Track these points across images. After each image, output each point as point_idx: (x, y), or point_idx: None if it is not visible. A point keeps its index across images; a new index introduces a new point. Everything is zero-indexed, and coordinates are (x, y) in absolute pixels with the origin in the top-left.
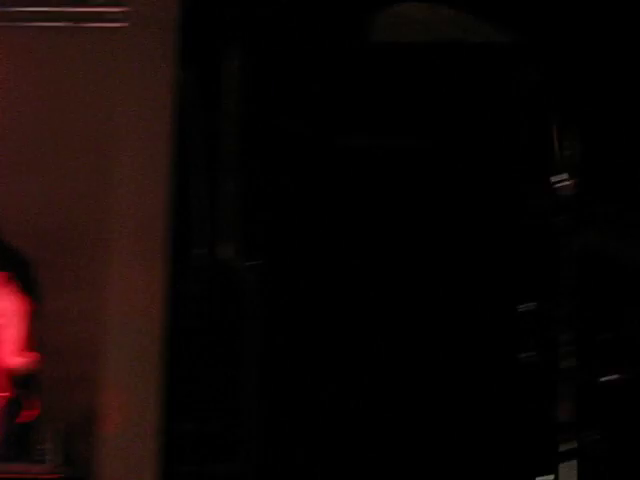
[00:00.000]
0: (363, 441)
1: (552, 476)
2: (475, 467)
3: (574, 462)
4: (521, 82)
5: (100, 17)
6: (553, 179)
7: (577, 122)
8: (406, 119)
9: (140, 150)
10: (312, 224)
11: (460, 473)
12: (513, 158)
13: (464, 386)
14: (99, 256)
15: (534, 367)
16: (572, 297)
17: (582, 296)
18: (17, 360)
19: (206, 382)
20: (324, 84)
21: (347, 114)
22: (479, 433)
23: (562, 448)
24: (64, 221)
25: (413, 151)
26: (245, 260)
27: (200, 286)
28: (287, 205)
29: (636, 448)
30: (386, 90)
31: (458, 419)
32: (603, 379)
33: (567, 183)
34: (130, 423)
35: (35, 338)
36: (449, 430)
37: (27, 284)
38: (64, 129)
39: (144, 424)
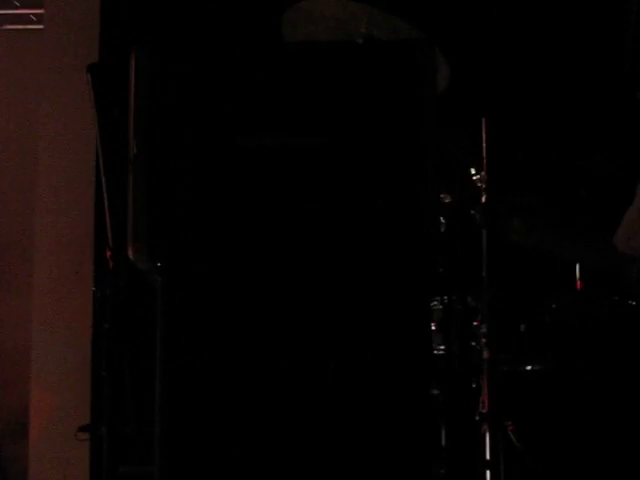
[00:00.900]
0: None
1: None
2: (387, 456)
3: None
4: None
5: (18, 19)
6: (469, 172)
7: (485, 116)
8: (310, 117)
9: (63, 154)
10: (216, 225)
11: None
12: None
13: (376, 380)
14: (24, 262)
15: (451, 359)
16: (488, 289)
17: (497, 288)
18: None
19: (124, 383)
20: (228, 83)
21: (250, 114)
22: (394, 420)
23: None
24: None
25: (313, 149)
26: (152, 261)
27: (113, 289)
28: (192, 206)
29: (548, 438)
30: (290, 89)
31: (371, 407)
32: (518, 370)
33: (479, 176)
34: (58, 427)
35: None
36: (360, 411)
37: None
38: None
39: (73, 428)
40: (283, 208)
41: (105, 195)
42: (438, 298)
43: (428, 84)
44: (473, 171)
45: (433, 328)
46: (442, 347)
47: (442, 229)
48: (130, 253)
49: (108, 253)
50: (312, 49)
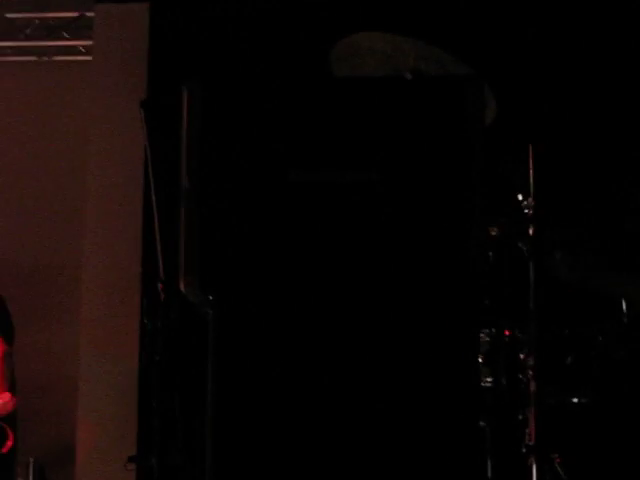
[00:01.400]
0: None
1: None
2: None
3: None
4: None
5: (67, 50)
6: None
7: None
8: (360, 153)
9: (112, 185)
10: (267, 258)
11: None
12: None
13: (425, 412)
14: (73, 291)
15: (498, 392)
16: (535, 322)
17: (544, 321)
18: None
19: (174, 415)
20: (278, 118)
21: (300, 148)
22: (442, 453)
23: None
24: (37, 257)
25: (363, 185)
26: (204, 294)
27: (165, 321)
28: (245, 240)
29: (594, 471)
30: (340, 124)
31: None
32: (565, 402)
33: (526, 203)
34: (105, 456)
35: (8, 375)
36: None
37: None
38: (32, 164)
39: (119, 458)
40: (333, 244)
41: (156, 228)
42: (486, 330)
43: (477, 120)
44: (520, 197)
45: (480, 360)
46: (489, 379)
47: (489, 261)
48: (182, 286)
49: (160, 285)
50: (362, 84)
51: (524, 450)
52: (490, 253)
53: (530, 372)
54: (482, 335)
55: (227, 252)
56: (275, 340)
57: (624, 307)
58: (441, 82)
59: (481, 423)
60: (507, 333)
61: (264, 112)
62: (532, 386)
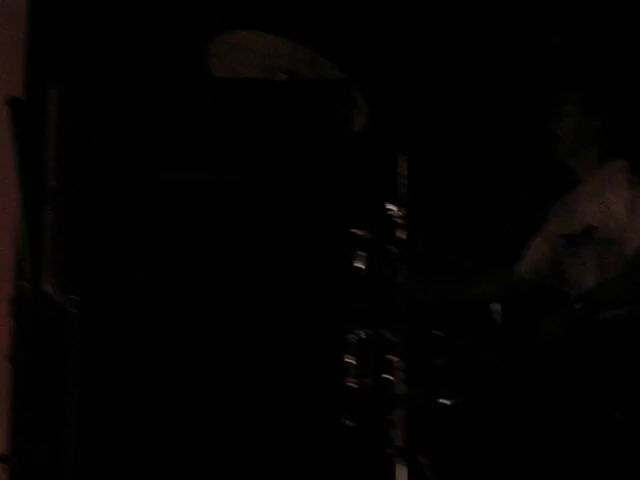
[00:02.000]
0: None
1: None
2: None
3: None
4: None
5: None
6: (386, 208)
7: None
8: (228, 154)
9: None
10: (132, 259)
11: None
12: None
13: (288, 407)
14: None
15: (367, 393)
16: (405, 324)
17: (415, 323)
18: None
19: (37, 414)
20: (147, 116)
21: (168, 148)
22: (307, 454)
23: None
24: None
25: (230, 186)
26: (68, 294)
27: (26, 320)
28: (110, 241)
29: (462, 473)
30: (209, 124)
31: (283, 443)
32: (435, 404)
33: (397, 212)
34: None
35: None
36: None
37: None
38: None
39: None
40: (198, 244)
41: (24, 228)
42: (358, 331)
43: (345, 124)
44: (391, 206)
45: (352, 361)
46: (358, 380)
47: (363, 263)
48: (46, 286)
49: (26, 285)
50: (230, 84)
51: (392, 451)
52: (364, 254)
53: (400, 374)
54: (354, 336)
55: (92, 252)
56: (139, 340)
57: (493, 309)
58: (310, 85)
59: (348, 423)
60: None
61: (130, 111)
62: (401, 387)
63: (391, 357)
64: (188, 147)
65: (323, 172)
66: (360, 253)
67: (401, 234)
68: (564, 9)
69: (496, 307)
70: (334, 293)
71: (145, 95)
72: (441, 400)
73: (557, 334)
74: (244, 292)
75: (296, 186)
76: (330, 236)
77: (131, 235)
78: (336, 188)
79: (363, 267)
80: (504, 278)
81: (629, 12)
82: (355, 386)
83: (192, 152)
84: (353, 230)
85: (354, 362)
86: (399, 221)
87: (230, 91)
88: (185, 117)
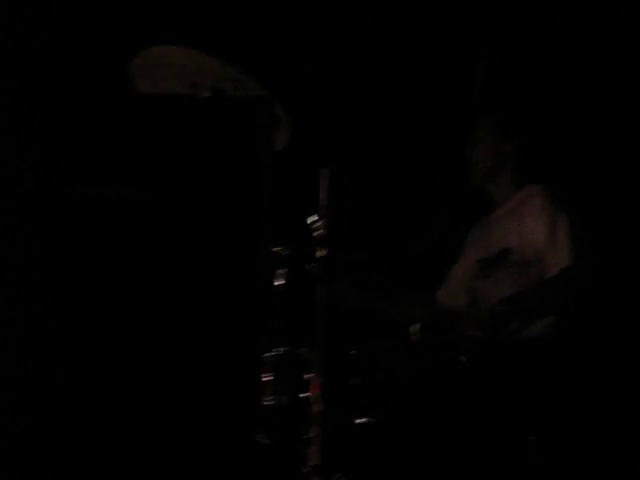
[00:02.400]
0: None
1: None
2: None
3: None
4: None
5: None
6: (307, 225)
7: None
8: (149, 170)
9: None
10: (52, 273)
11: None
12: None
13: (204, 424)
14: None
15: (282, 410)
16: (322, 342)
17: (332, 342)
18: None
19: None
20: (64, 130)
21: (86, 163)
22: (223, 472)
23: None
24: None
25: (148, 202)
26: None
27: None
28: (28, 254)
29: None
30: (130, 140)
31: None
32: (351, 422)
33: (317, 228)
34: None
35: None
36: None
37: None
38: None
39: None
40: (115, 259)
41: None
42: (276, 349)
43: (265, 141)
44: (312, 223)
45: (269, 379)
46: (274, 398)
47: (282, 281)
48: None
49: None
50: (152, 100)
51: (307, 470)
52: (284, 271)
53: (314, 392)
54: (271, 354)
55: (10, 267)
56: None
57: (411, 329)
58: (232, 102)
59: (265, 440)
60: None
61: (49, 124)
62: (317, 406)
63: (308, 375)
64: (108, 162)
65: (244, 189)
66: (280, 271)
67: (321, 252)
68: (485, 32)
69: (415, 327)
70: (252, 310)
71: (65, 108)
72: (357, 419)
73: (477, 337)
74: (162, 308)
75: (216, 203)
76: (249, 254)
77: (49, 249)
78: (256, 205)
79: (282, 284)
80: (427, 303)
81: (542, 37)
82: (272, 404)
83: (112, 167)
84: (273, 248)
85: (271, 380)
86: (320, 238)
87: (151, 107)
88: (106, 132)
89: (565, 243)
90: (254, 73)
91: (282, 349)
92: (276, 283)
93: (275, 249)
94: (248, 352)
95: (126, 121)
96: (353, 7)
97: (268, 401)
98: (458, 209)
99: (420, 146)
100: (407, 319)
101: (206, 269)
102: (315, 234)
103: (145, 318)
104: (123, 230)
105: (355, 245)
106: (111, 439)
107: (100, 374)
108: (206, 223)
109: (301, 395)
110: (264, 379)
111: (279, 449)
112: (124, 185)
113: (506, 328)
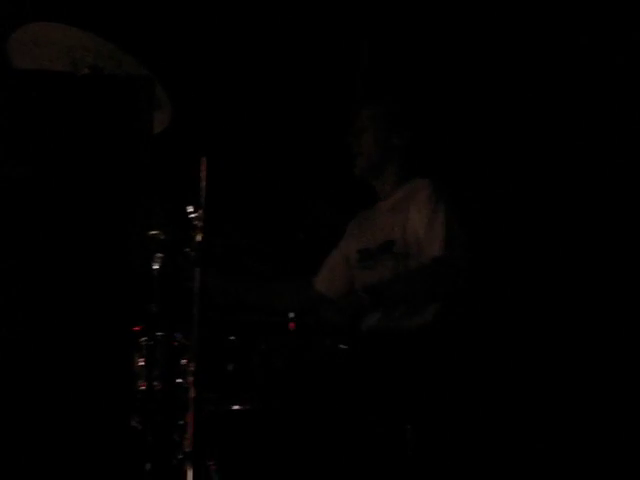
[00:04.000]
0: None
1: None
2: None
3: None
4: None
5: None
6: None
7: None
8: (24, 148)
9: None
10: None
11: None
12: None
13: (79, 410)
14: None
15: (156, 395)
16: (198, 328)
17: (207, 328)
18: None
19: None
20: None
21: None
22: (96, 456)
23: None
24: None
25: (21, 180)
26: None
27: None
28: None
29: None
30: (7, 117)
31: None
32: (225, 410)
33: (196, 215)
34: None
35: None
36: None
37: None
38: None
39: None
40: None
41: None
42: (153, 334)
43: (145, 120)
44: (190, 209)
45: (143, 364)
46: (151, 384)
47: (158, 265)
48: None
49: None
50: (29, 76)
51: (181, 456)
52: (160, 256)
53: (190, 378)
54: (147, 339)
55: None
56: None
57: (289, 316)
58: (110, 80)
59: (137, 426)
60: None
61: None
62: (191, 392)
63: (183, 361)
64: None
65: (120, 169)
66: (157, 255)
67: (199, 237)
68: (372, 18)
69: (290, 314)
70: (126, 294)
71: None
72: (231, 405)
73: (345, 320)
74: (35, 293)
75: (93, 183)
76: (125, 237)
77: None
78: (132, 187)
79: (158, 268)
80: (303, 289)
81: (438, 31)
82: (146, 389)
83: None
84: (150, 232)
85: (145, 365)
86: (197, 223)
87: (27, 83)
88: None
89: (440, 235)
90: (135, 52)
91: (158, 334)
92: (153, 267)
93: (153, 233)
94: (122, 336)
95: (5, 98)
96: None
97: (142, 386)
98: (337, 196)
99: (301, 133)
100: (282, 305)
101: (80, 252)
102: (193, 220)
103: (17, 302)
104: None
105: (233, 231)
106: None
107: None
108: (82, 204)
109: (176, 381)
110: (139, 364)
111: (153, 435)
112: None
113: (368, 316)
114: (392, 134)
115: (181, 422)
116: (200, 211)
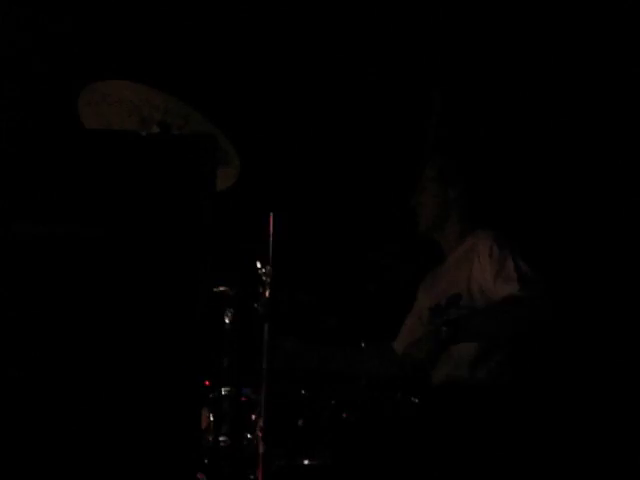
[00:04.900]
0: None
1: None
2: None
3: None
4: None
5: None
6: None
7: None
8: (91, 207)
9: None
10: None
11: None
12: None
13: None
14: None
15: (229, 450)
16: (266, 382)
17: (276, 383)
18: None
19: None
20: (8, 167)
21: (24, 201)
22: None
23: None
24: None
25: (90, 240)
26: None
27: None
28: None
29: None
30: (73, 176)
31: None
32: (295, 464)
33: (264, 270)
34: None
35: None
36: None
37: None
38: None
39: None
40: (58, 297)
41: None
42: (222, 389)
43: (207, 178)
44: (259, 265)
45: (214, 419)
46: (222, 439)
47: (229, 320)
48: None
49: None
50: (95, 137)
51: None
52: (230, 311)
53: (259, 433)
54: (216, 393)
55: None
56: None
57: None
58: (174, 140)
59: None
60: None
61: None
62: (260, 447)
63: (252, 416)
64: (51, 199)
65: (184, 227)
66: (228, 310)
67: (267, 292)
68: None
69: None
70: (194, 348)
71: (8, 144)
72: (301, 460)
73: (425, 355)
74: (104, 347)
75: (157, 240)
76: (189, 292)
77: None
78: (196, 244)
79: (229, 324)
80: (384, 354)
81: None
82: (216, 444)
83: (55, 204)
84: (220, 288)
85: (214, 420)
86: (265, 279)
87: (94, 143)
88: (51, 169)
89: (513, 276)
90: (202, 108)
91: (227, 388)
92: (224, 322)
93: (222, 289)
94: (190, 392)
95: (70, 158)
96: (305, 47)
97: (212, 441)
98: (407, 252)
99: (369, 190)
100: (364, 372)
101: (147, 308)
102: (261, 275)
103: (88, 356)
104: (63, 269)
105: (302, 287)
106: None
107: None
108: (146, 261)
109: (245, 436)
110: (208, 419)
111: None
112: (66, 223)
113: (438, 366)
114: (447, 188)
115: (252, 477)
116: (268, 267)
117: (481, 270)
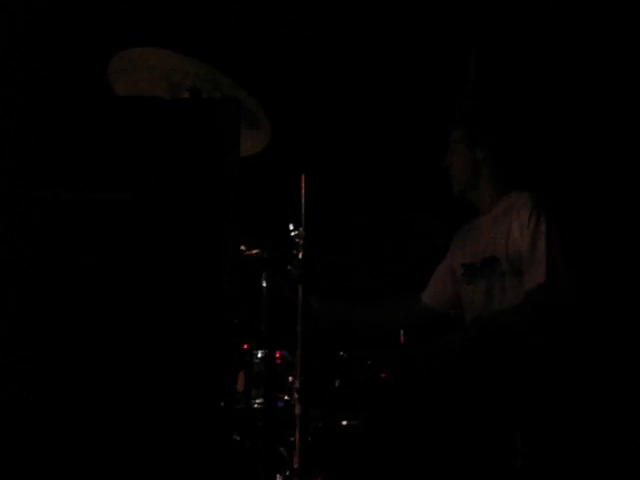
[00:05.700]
0: None
1: None
2: None
3: None
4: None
5: None
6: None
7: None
8: (116, 172)
9: None
10: (18, 277)
11: None
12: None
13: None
14: None
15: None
16: (301, 344)
17: (313, 344)
18: None
19: None
20: (31, 133)
21: (48, 167)
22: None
23: None
24: None
25: (116, 204)
26: None
27: None
28: None
29: None
30: (97, 142)
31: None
32: (333, 425)
33: (297, 232)
34: None
35: None
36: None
37: None
38: None
39: None
40: (87, 263)
41: None
42: (258, 352)
43: (230, 142)
44: (291, 227)
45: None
46: (259, 401)
47: (263, 283)
48: None
49: None
50: (122, 103)
51: (288, 473)
52: (265, 274)
53: (296, 395)
54: (254, 356)
55: None
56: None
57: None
58: (195, 105)
59: (247, 443)
60: (278, 355)
61: (22, 127)
62: (297, 409)
63: (289, 377)
64: (79, 165)
65: (209, 191)
66: (263, 274)
67: (300, 254)
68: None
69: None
70: (218, 311)
71: (38, 110)
72: (339, 421)
73: (451, 352)
74: (132, 312)
75: (182, 205)
76: (214, 255)
77: (14, 253)
78: (221, 206)
79: (264, 287)
80: (412, 305)
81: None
82: (254, 406)
83: (82, 170)
84: (253, 251)
85: (251, 382)
86: (299, 241)
87: (121, 109)
88: (73, 134)
89: (542, 261)
90: (232, 74)
91: (262, 351)
92: (261, 285)
93: (255, 252)
94: (221, 354)
95: (94, 123)
96: (336, 9)
97: (248, 404)
98: (440, 211)
99: (401, 149)
100: (392, 323)
101: (176, 272)
102: (294, 237)
103: (115, 321)
104: (90, 235)
105: (337, 248)
106: (86, 440)
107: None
108: (172, 225)
109: (282, 398)
110: (244, 381)
111: (259, 452)
112: (94, 188)
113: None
114: (474, 150)
115: (292, 439)
116: (301, 229)
117: (517, 237)
